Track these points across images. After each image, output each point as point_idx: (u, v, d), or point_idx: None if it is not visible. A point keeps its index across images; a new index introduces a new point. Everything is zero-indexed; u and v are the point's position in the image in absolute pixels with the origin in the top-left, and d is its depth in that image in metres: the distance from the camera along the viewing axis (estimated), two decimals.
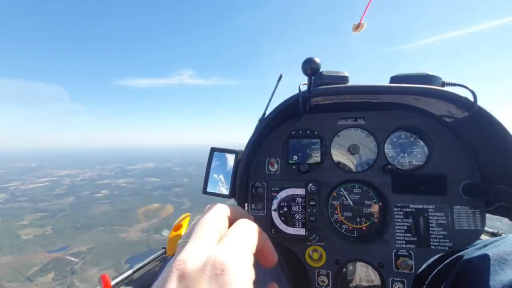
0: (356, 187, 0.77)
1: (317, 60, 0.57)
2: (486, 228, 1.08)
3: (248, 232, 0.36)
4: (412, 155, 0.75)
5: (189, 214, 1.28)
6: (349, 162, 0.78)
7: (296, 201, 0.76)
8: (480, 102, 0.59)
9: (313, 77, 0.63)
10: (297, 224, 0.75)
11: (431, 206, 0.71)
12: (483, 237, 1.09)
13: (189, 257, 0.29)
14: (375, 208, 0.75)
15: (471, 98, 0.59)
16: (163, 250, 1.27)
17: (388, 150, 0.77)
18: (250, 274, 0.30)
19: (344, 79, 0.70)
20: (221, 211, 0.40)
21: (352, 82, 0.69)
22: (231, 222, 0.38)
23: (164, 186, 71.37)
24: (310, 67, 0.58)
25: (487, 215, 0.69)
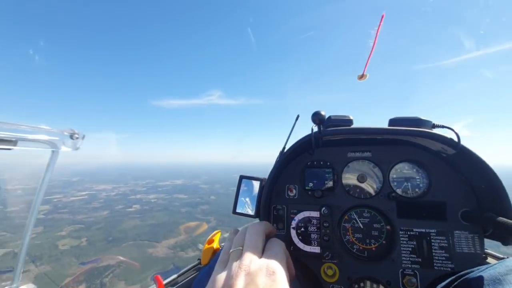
0: (366, 211, 0.85)
1: (322, 112, 0.79)
2: (497, 254, 1.11)
3: (282, 249, 0.54)
4: (414, 184, 0.84)
5: (220, 230, 1.47)
6: (358, 188, 0.88)
7: (312, 222, 0.87)
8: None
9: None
10: (313, 243, 0.85)
11: (433, 230, 0.78)
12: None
13: (251, 262, 0.47)
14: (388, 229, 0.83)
15: (456, 138, 0.70)
16: (198, 261, 1.47)
17: (393, 179, 0.86)
18: (287, 278, 0.47)
19: (349, 122, 0.84)
20: (262, 228, 0.59)
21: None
22: (266, 235, 0.57)
23: (191, 203, 72.55)
24: (317, 118, 0.79)
25: None
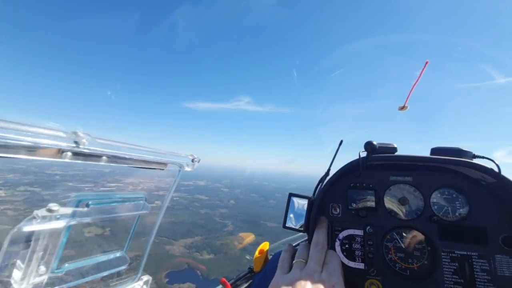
0: (407, 232, 0.89)
1: (374, 142, 0.90)
2: None
3: (339, 263, 0.64)
4: (454, 209, 0.87)
5: (268, 242, 1.53)
6: (399, 210, 0.92)
7: (356, 240, 0.90)
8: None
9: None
10: (357, 259, 0.88)
11: (474, 253, 0.80)
12: None
13: (315, 273, 0.56)
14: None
15: (496, 169, 0.77)
16: (249, 269, 1.60)
17: (433, 203, 0.89)
18: None
19: (394, 149, 0.92)
20: (323, 241, 0.71)
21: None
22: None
23: (211, 205, 73.40)
24: (370, 147, 0.90)
25: None
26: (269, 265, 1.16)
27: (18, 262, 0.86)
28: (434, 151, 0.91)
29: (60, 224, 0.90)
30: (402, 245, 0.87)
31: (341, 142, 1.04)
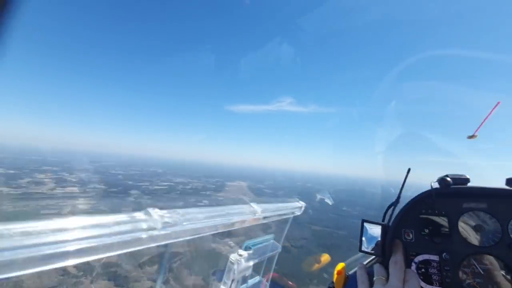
0: (485, 258, 0.86)
1: (448, 178, 0.92)
2: None
3: (418, 282, 0.72)
4: None
5: (344, 263, 1.58)
6: (474, 237, 0.89)
7: (432, 265, 0.90)
8: None
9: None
10: (434, 283, 0.87)
11: None
12: None
13: None
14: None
15: None
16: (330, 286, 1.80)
17: (511, 230, 0.85)
18: None
19: (466, 181, 0.93)
20: (401, 261, 0.79)
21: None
22: None
23: None
24: (443, 183, 0.92)
25: None
26: (349, 284, 1.21)
27: (222, 287, 1.59)
28: (510, 181, 0.89)
29: (248, 264, 1.62)
30: (481, 272, 0.84)
31: (409, 170, 1.05)
